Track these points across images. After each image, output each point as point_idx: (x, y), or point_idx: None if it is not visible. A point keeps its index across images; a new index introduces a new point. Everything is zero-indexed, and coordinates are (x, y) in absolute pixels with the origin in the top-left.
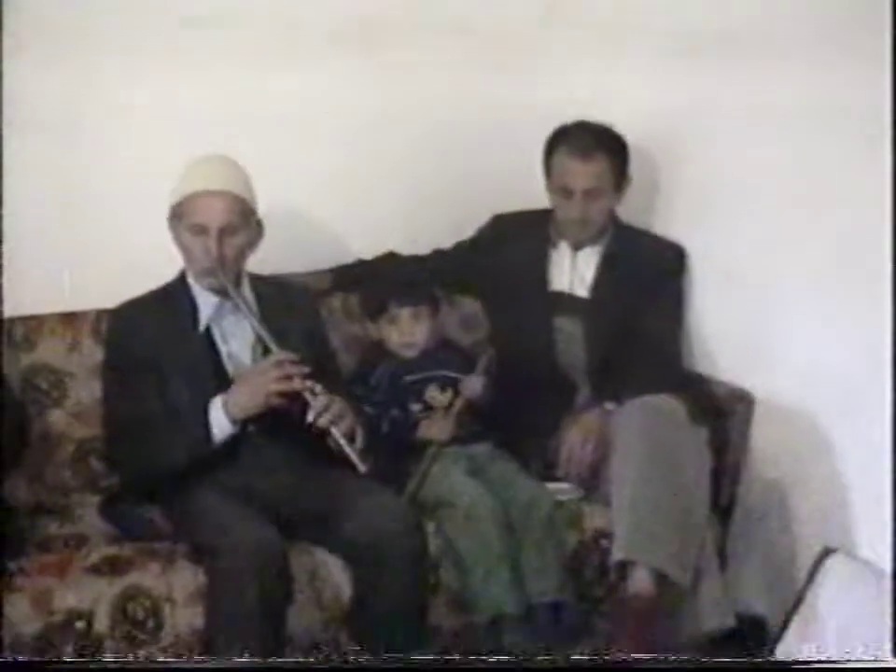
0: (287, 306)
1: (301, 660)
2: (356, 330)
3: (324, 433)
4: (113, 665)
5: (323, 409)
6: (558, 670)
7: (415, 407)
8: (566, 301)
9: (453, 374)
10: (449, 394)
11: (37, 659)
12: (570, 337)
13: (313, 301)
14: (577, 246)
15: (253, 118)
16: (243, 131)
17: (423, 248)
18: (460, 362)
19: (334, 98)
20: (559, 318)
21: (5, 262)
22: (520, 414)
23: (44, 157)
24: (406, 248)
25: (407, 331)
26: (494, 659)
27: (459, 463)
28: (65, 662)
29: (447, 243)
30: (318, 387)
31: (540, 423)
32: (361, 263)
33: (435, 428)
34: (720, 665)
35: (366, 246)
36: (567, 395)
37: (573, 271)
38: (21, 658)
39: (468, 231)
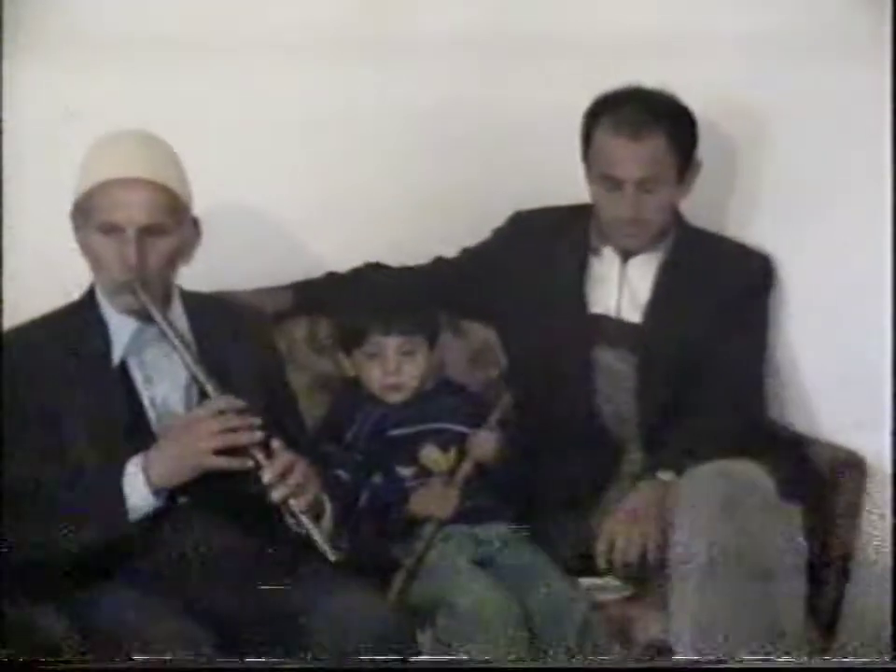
0: (232, 335)
1: (302, 659)
2: (325, 367)
3: (280, 508)
4: (114, 666)
5: (279, 475)
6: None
7: (406, 471)
8: (611, 328)
9: (457, 427)
10: (451, 454)
11: (37, 659)
12: (616, 377)
13: (267, 329)
14: (627, 254)
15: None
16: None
17: (417, 258)
18: (467, 411)
19: (306, 85)
20: (602, 351)
21: None
22: (546, 484)
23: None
24: (394, 258)
25: (394, 369)
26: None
27: (464, 549)
28: (66, 662)
29: (450, 250)
30: (274, 444)
31: (574, 496)
32: (333, 277)
33: (433, 501)
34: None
35: (340, 256)
36: (611, 458)
37: (622, 287)
38: (20, 658)
39: (478, 237)
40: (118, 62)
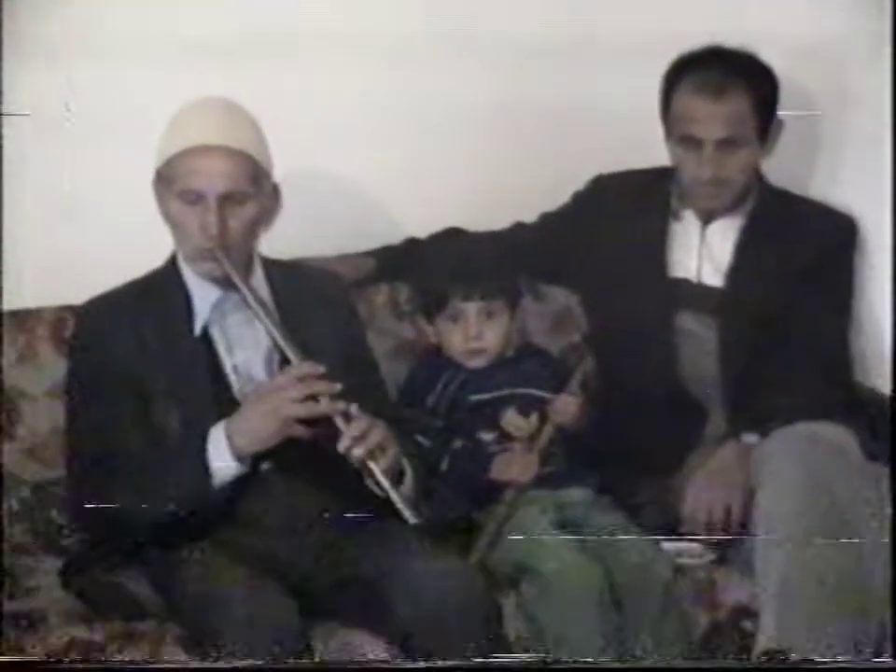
0: (313, 301)
1: (301, 660)
2: (406, 333)
3: (361, 472)
4: (116, 666)
5: (359, 437)
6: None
7: (487, 437)
8: (692, 293)
9: (538, 392)
10: (533, 419)
11: (37, 659)
12: (698, 341)
13: (348, 295)
14: (708, 217)
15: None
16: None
17: (496, 224)
18: (548, 376)
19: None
20: (683, 315)
21: None
22: (629, 449)
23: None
24: (474, 224)
25: (475, 334)
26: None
27: (547, 514)
28: (67, 662)
29: (528, 216)
30: (354, 409)
31: (657, 460)
32: (413, 243)
33: (514, 466)
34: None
35: (421, 222)
36: (694, 422)
37: (703, 251)
38: (20, 658)
39: (556, 203)
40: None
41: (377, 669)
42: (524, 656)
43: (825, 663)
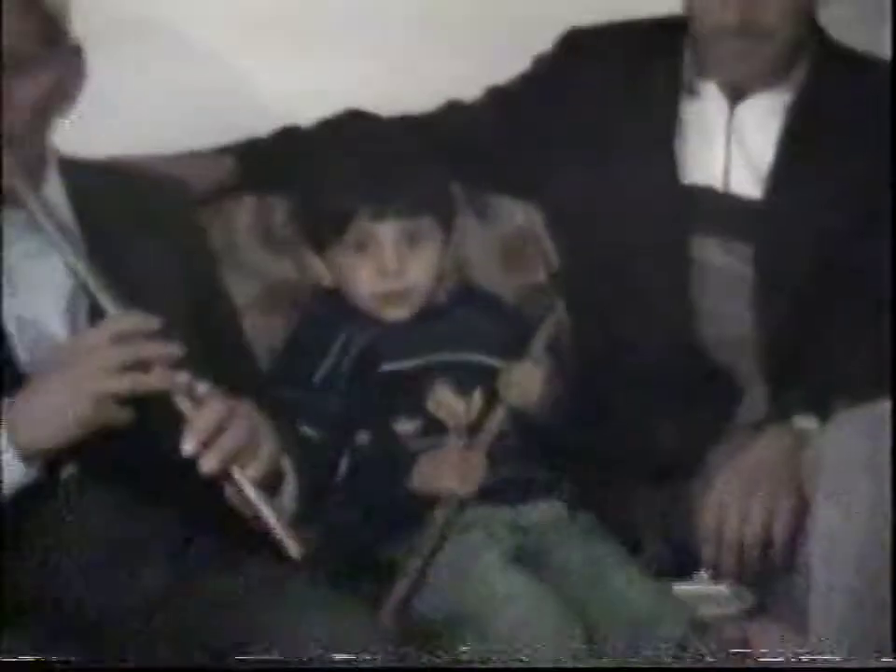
0: (139, 223)
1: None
2: (283, 271)
3: (217, 480)
4: (116, 666)
5: (212, 430)
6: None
7: (407, 426)
8: (716, 207)
9: (484, 359)
10: (476, 399)
11: (38, 659)
12: (724, 279)
13: (193, 213)
14: (738, 92)
15: None
16: None
17: (420, 104)
18: (499, 334)
19: None
20: (703, 243)
21: None
22: (621, 442)
23: None
24: (388, 106)
25: (393, 269)
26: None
27: (498, 541)
28: (67, 662)
29: (468, 90)
30: (202, 386)
31: (663, 459)
32: (292, 134)
33: (448, 470)
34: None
35: (305, 102)
36: (719, 402)
37: (731, 144)
38: (21, 658)
39: (512, 70)
40: None
41: (377, 669)
42: None
43: (824, 662)
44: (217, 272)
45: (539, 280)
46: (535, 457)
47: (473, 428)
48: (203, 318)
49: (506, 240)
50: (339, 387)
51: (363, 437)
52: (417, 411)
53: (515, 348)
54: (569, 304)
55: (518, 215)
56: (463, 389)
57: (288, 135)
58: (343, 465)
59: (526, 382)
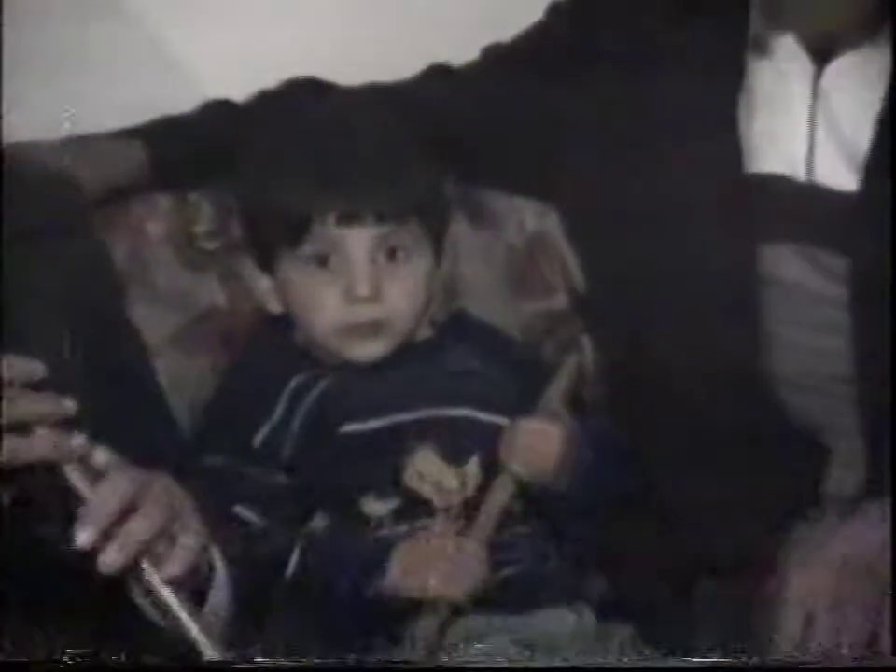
0: (13, 232)
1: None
2: (212, 295)
3: (124, 581)
4: (117, 666)
5: (113, 515)
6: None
7: (378, 507)
8: (796, 202)
9: (481, 415)
10: (472, 468)
11: (37, 659)
12: (807, 302)
13: (88, 218)
14: (825, 48)
15: None
16: None
17: (395, 69)
18: (503, 380)
19: None
20: (776, 251)
21: None
22: (668, 526)
23: None
24: (353, 75)
25: (363, 291)
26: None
27: (501, 663)
28: (67, 662)
29: (457, 55)
30: (102, 454)
31: (723, 548)
32: (225, 111)
33: (435, 567)
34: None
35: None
36: (800, 466)
37: (816, 115)
38: (21, 658)
39: (517, 24)
40: None
41: (377, 670)
42: None
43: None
44: (120, 298)
45: (557, 306)
46: (552, 548)
47: (469, 509)
48: (103, 362)
49: (512, 253)
50: (287, 454)
51: (320, 521)
52: (393, 486)
53: (525, 400)
54: (598, 339)
55: (528, 219)
56: (455, 456)
57: (217, 113)
58: (294, 558)
59: (540, 445)
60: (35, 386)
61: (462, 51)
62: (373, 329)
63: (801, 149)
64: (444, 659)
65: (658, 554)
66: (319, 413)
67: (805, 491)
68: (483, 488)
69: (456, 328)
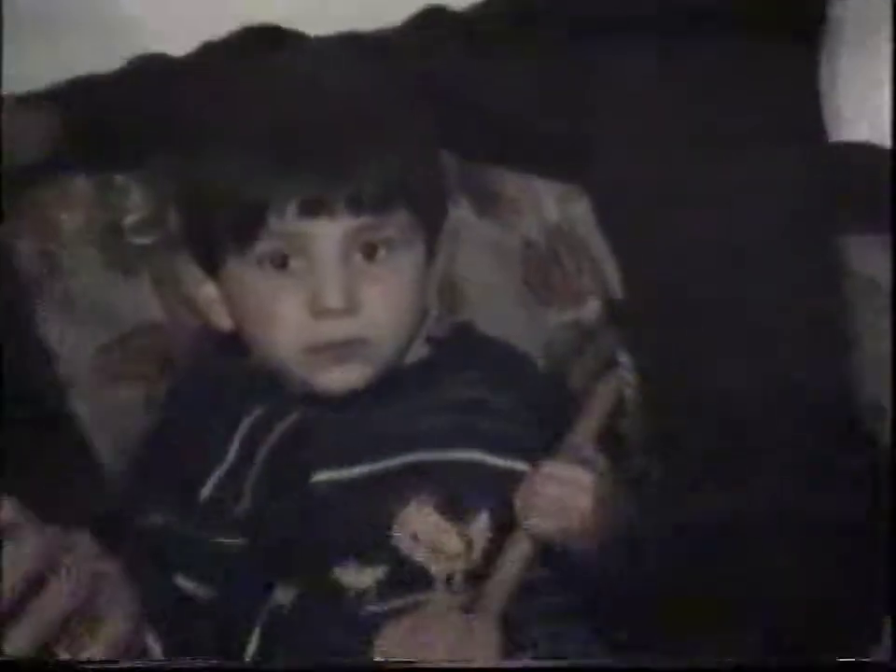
0: None
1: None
2: (146, 306)
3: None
4: (117, 666)
5: (20, 589)
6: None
7: (360, 577)
8: (884, 179)
9: (493, 458)
10: (481, 526)
11: (37, 659)
12: None
13: None
14: None
15: None
16: None
17: (375, 18)
18: (518, 412)
19: None
20: (863, 242)
21: None
22: (729, 591)
23: None
24: (325, 22)
25: (335, 302)
26: None
27: None
28: (68, 662)
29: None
30: (7, 510)
31: (809, 626)
32: (158, 67)
33: (434, 649)
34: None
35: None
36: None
37: None
38: (20, 658)
39: None
40: None
41: (375, 668)
42: None
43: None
44: (26, 311)
45: (587, 317)
46: (583, 625)
47: (477, 577)
48: (6, 393)
49: (530, 249)
50: (242, 511)
51: (285, 595)
52: (378, 550)
53: (547, 438)
54: (640, 359)
55: (550, 205)
56: (458, 511)
57: (150, 70)
58: (253, 643)
59: (566, 497)
60: None
61: None
62: (348, 349)
63: (888, 117)
64: None
65: (715, 632)
66: (283, 457)
67: None
68: (494, 552)
69: (459, 346)
